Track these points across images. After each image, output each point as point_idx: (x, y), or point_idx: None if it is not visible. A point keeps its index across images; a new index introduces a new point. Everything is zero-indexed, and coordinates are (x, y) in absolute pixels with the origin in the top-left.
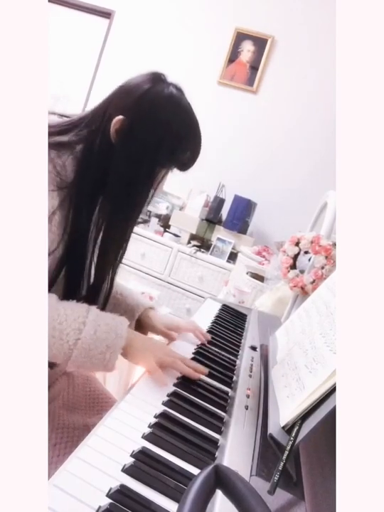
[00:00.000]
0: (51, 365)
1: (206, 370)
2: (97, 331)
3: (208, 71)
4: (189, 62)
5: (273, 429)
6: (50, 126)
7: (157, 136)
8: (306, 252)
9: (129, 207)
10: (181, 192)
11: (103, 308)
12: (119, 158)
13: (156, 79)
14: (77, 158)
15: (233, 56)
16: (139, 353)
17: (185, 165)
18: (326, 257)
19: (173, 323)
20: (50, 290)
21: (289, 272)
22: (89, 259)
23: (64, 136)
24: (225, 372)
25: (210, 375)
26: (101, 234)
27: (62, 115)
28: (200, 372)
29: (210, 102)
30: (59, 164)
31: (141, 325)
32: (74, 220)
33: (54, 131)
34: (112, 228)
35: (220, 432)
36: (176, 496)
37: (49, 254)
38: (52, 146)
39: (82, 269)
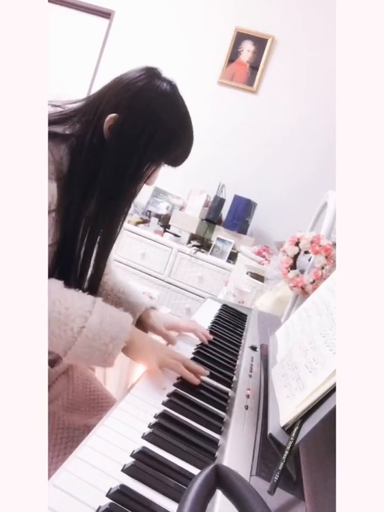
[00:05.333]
0: (51, 364)
1: (207, 371)
2: (102, 321)
3: (208, 71)
4: (189, 62)
5: (273, 429)
6: None
7: (149, 132)
8: (306, 252)
9: (118, 201)
10: (181, 192)
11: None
12: (111, 154)
13: (151, 75)
14: (71, 151)
15: (233, 56)
16: (141, 351)
17: (175, 161)
18: (326, 257)
19: (173, 323)
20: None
21: (289, 271)
22: (78, 251)
23: (58, 126)
24: (225, 372)
25: (210, 375)
26: (90, 227)
27: (54, 105)
28: (201, 374)
29: (210, 102)
30: (57, 155)
31: (142, 325)
32: (67, 212)
33: (48, 120)
34: (101, 221)
35: (220, 432)
36: (176, 495)
37: (49, 246)
38: (48, 135)
39: (71, 261)
